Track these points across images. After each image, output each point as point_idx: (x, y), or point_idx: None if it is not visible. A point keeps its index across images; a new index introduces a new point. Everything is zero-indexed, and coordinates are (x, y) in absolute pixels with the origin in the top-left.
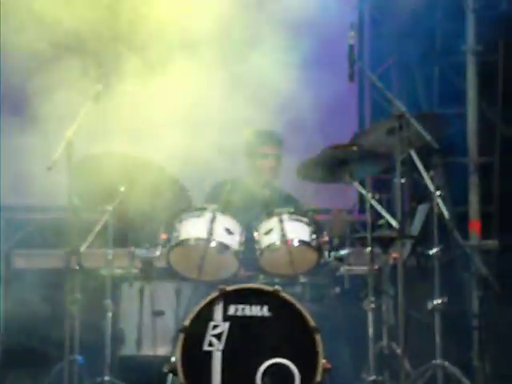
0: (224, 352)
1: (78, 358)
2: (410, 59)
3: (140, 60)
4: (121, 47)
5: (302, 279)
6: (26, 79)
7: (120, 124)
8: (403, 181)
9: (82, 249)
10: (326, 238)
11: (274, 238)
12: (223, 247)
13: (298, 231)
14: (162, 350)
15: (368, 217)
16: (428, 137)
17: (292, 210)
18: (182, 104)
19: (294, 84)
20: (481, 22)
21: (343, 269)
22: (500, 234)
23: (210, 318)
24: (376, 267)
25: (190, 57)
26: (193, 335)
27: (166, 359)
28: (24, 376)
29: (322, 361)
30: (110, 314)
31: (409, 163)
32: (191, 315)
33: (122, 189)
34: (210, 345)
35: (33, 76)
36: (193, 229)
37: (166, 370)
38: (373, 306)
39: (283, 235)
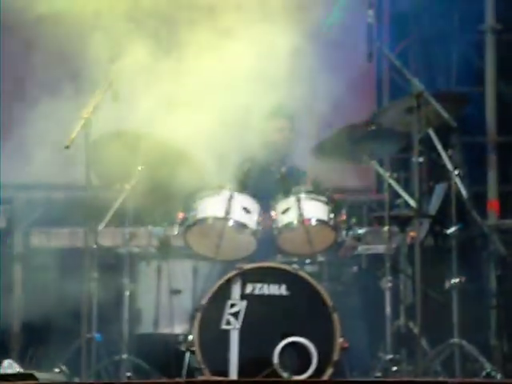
0: (241, 331)
1: (96, 335)
2: (428, 38)
3: (208, 25)
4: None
5: (320, 258)
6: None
7: (179, 92)
8: (421, 160)
9: (100, 227)
10: (344, 217)
11: (292, 217)
12: (241, 226)
13: (316, 210)
14: (179, 329)
15: (386, 196)
16: (446, 115)
17: (310, 188)
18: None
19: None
20: (500, 0)
21: (361, 248)
22: None
23: (228, 297)
24: (393, 246)
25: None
26: (210, 314)
27: (184, 338)
28: (42, 353)
29: (340, 339)
30: (127, 293)
31: (427, 142)
32: (208, 294)
33: (140, 168)
34: (228, 323)
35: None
36: (210, 208)
37: (183, 348)
38: (390, 284)
39: (301, 214)
